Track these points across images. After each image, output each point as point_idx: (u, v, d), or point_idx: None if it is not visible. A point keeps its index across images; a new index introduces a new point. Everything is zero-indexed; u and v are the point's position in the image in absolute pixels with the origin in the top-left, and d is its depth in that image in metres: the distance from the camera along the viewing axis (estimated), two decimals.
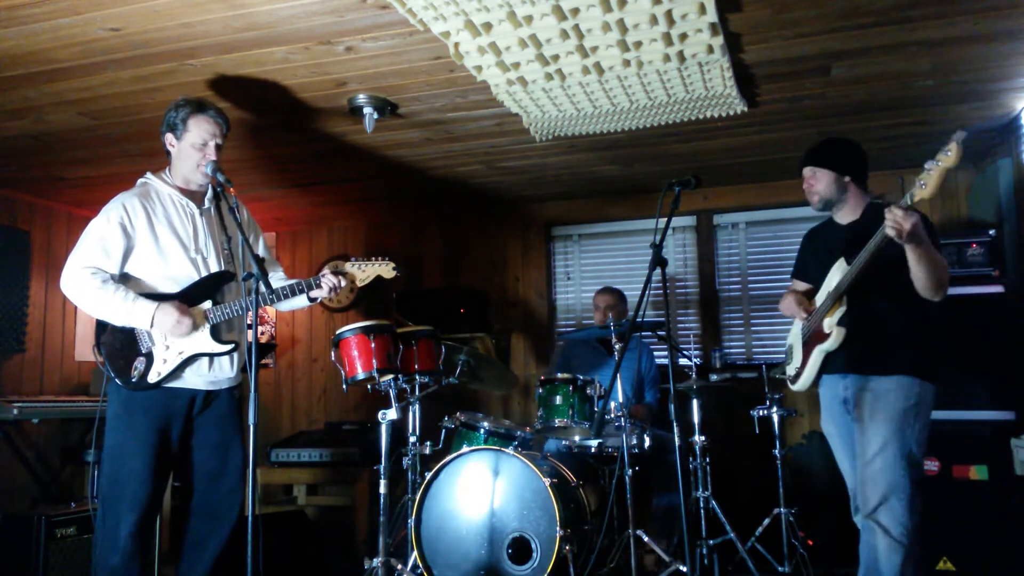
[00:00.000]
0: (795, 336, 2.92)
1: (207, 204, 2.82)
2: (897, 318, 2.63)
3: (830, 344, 2.67)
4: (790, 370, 2.93)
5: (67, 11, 2.51)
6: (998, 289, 3.45)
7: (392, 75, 3.08)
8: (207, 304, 2.71)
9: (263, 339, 5.60)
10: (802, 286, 2.99)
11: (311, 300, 2.90)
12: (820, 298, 2.76)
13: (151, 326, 2.63)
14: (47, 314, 4.77)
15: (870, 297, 2.62)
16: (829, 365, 2.73)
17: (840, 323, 2.66)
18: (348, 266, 2.94)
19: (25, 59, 2.84)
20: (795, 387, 2.88)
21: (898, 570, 2.48)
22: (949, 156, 2.24)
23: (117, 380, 2.67)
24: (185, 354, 2.68)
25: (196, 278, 2.73)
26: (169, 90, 3.11)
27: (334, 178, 4.55)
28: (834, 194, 2.77)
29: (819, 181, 2.77)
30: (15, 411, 3.84)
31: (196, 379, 2.72)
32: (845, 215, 2.81)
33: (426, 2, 2.44)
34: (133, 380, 2.65)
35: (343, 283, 2.85)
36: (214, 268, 2.77)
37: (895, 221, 2.33)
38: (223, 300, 2.74)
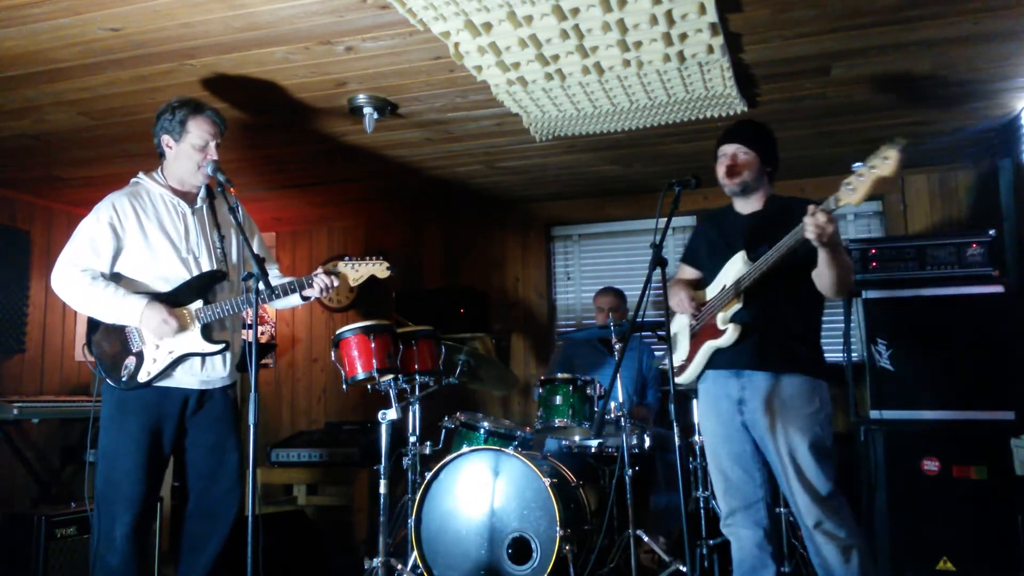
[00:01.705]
0: (681, 327, 2.82)
1: (199, 204, 2.82)
2: (796, 317, 2.56)
3: (723, 341, 2.58)
4: (675, 361, 2.78)
5: (67, 11, 2.51)
6: (998, 289, 3.44)
7: (392, 75, 3.08)
8: (198, 303, 2.71)
9: (263, 339, 5.60)
10: (691, 273, 2.87)
11: (304, 299, 2.89)
12: (713, 291, 2.67)
13: (139, 323, 2.63)
14: (47, 314, 4.77)
15: (769, 294, 2.54)
16: (716, 361, 2.64)
17: (735, 319, 2.58)
18: (341, 266, 2.92)
19: (25, 59, 2.84)
20: (679, 379, 2.76)
21: (858, 571, 2.43)
22: (887, 164, 2.09)
23: (107, 379, 2.67)
24: (175, 354, 2.67)
25: (187, 278, 2.73)
26: (169, 90, 3.10)
27: (334, 178, 4.55)
28: (754, 181, 2.66)
29: (747, 163, 2.64)
30: (15, 411, 3.84)
31: (189, 378, 2.72)
32: (748, 205, 2.70)
33: (426, 2, 2.44)
34: (123, 379, 2.66)
35: (335, 282, 2.83)
36: (206, 268, 2.76)
37: (818, 226, 2.24)
38: (214, 300, 2.74)
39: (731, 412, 2.62)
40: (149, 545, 3.49)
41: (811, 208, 2.28)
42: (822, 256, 2.39)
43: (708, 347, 2.65)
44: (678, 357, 2.80)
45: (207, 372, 2.75)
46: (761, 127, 2.75)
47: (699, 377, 2.74)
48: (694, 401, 3.57)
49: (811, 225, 2.26)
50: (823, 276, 2.45)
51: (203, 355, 2.72)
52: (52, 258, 4.77)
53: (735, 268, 2.61)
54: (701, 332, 2.69)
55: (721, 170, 2.68)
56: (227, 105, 3.26)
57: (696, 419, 3.55)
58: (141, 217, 2.70)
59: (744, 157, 2.65)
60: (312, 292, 2.82)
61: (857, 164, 2.18)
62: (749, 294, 2.56)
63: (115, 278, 2.71)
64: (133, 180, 2.82)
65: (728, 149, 2.68)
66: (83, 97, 3.20)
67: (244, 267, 2.88)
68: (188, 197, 2.81)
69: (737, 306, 2.59)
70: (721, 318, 2.61)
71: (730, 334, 2.57)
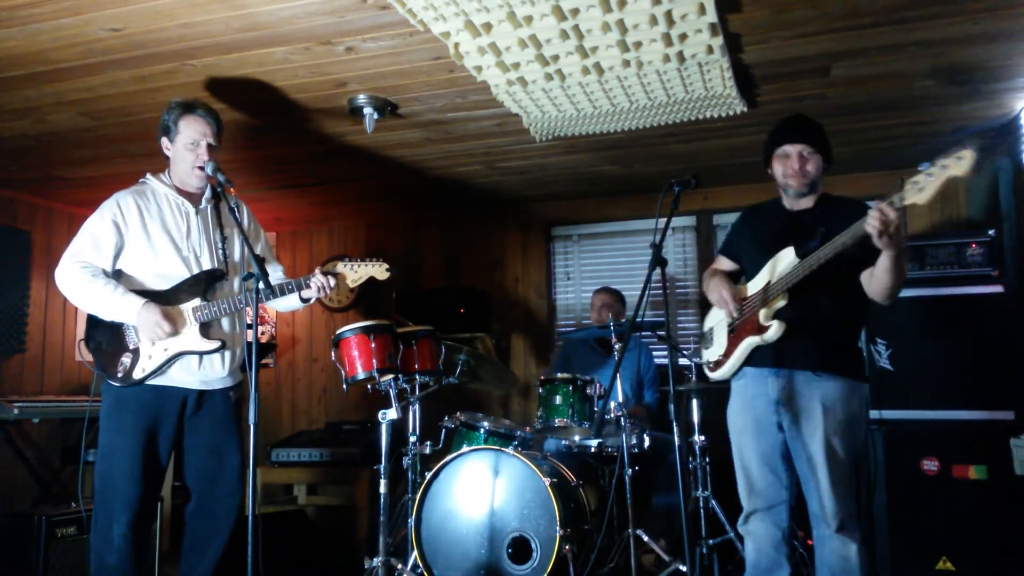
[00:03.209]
0: (717, 321, 2.77)
1: (204, 204, 2.83)
2: (840, 319, 2.53)
3: (767, 337, 2.51)
4: (709, 355, 2.76)
5: (68, 11, 2.51)
6: (998, 289, 3.45)
7: (392, 75, 3.08)
8: (195, 301, 2.72)
9: (263, 339, 5.60)
10: (728, 265, 2.83)
11: (304, 300, 2.89)
12: (756, 285, 2.62)
13: (135, 322, 2.65)
14: (47, 314, 4.77)
15: (815, 293, 2.49)
16: (756, 358, 2.59)
17: (779, 316, 2.52)
18: (340, 267, 2.91)
19: (26, 59, 2.84)
20: (714, 375, 2.73)
21: (865, 572, 2.47)
22: (961, 163, 2.02)
23: (103, 376, 2.69)
24: (170, 351, 2.69)
25: (187, 276, 2.74)
26: (169, 90, 3.11)
27: (334, 178, 4.55)
28: (818, 180, 2.61)
29: (814, 163, 2.58)
30: (15, 411, 3.84)
31: (187, 377, 2.73)
32: (800, 202, 2.64)
33: (426, 2, 2.45)
34: (119, 376, 2.67)
35: (332, 283, 2.83)
36: (207, 267, 2.78)
37: (883, 221, 2.15)
38: (212, 298, 2.75)
39: (767, 411, 2.58)
40: (149, 545, 3.49)
41: (879, 204, 2.21)
42: (885, 260, 2.31)
43: (749, 343, 2.58)
44: (715, 352, 2.74)
45: (205, 372, 2.75)
46: (820, 125, 2.65)
47: (735, 374, 2.69)
48: (694, 401, 3.58)
49: (876, 219, 2.16)
50: (880, 281, 2.38)
51: (199, 353, 2.72)
52: (53, 258, 4.78)
53: (783, 263, 2.54)
54: (741, 327, 2.63)
55: (788, 170, 2.58)
56: (227, 106, 3.26)
57: (695, 419, 3.56)
58: (144, 215, 2.72)
59: (812, 157, 2.58)
60: (310, 293, 2.82)
61: (924, 164, 2.11)
62: (795, 291, 2.51)
63: (117, 275, 2.73)
64: (141, 180, 2.85)
65: (793, 149, 2.58)
66: (84, 97, 3.20)
67: (246, 268, 2.88)
68: (193, 198, 2.82)
69: (782, 302, 2.53)
70: (764, 314, 2.55)
71: (774, 330, 2.50)
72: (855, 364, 2.57)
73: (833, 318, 2.53)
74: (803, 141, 2.58)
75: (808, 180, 2.59)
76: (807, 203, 2.64)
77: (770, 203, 2.77)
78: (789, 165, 2.59)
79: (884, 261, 2.31)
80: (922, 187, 2.13)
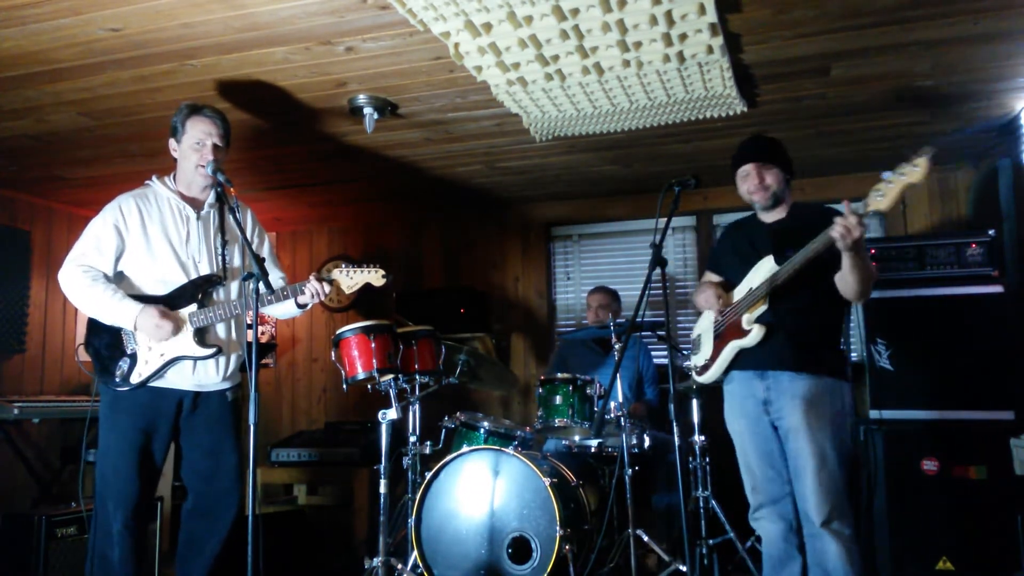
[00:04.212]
0: (704, 328, 2.90)
1: (207, 209, 2.83)
2: (820, 320, 2.66)
3: (748, 341, 2.65)
4: (697, 360, 2.91)
5: (68, 11, 2.51)
6: (998, 289, 3.44)
7: (392, 75, 3.08)
8: (192, 307, 2.72)
9: (263, 339, 5.60)
10: (715, 278, 2.96)
11: (300, 306, 2.87)
12: (739, 293, 2.75)
13: (134, 327, 2.65)
14: (47, 314, 4.77)
15: (795, 297, 2.61)
16: (741, 361, 2.72)
17: (760, 320, 2.64)
18: (336, 272, 2.88)
19: (26, 59, 2.84)
20: (701, 379, 2.87)
21: (859, 570, 2.51)
22: (916, 171, 2.18)
23: (101, 380, 2.71)
24: (166, 356, 2.69)
25: (185, 281, 2.74)
26: (169, 90, 3.11)
27: (334, 178, 4.55)
28: (782, 191, 2.76)
29: (772, 176, 2.73)
30: (15, 411, 3.84)
31: (182, 380, 2.74)
32: (773, 214, 2.80)
33: (426, 2, 2.45)
34: (116, 380, 2.69)
35: (327, 289, 2.81)
36: (205, 272, 2.78)
37: (847, 227, 2.33)
38: (208, 304, 2.75)
39: (757, 412, 2.70)
40: (149, 545, 3.49)
41: (844, 212, 2.37)
42: (846, 260, 2.47)
43: (733, 346, 2.71)
44: (702, 357, 2.88)
45: (199, 376, 2.75)
46: (772, 140, 2.83)
47: (725, 377, 2.82)
48: (694, 401, 3.59)
49: (840, 226, 2.34)
50: (846, 280, 2.52)
51: (194, 359, 2.73)
52: (53, 258, 4.78)
53: (762, 271, 2.67)
54: (726, 332, 2.75)
55: (748, 187, 2.76)
56: (228, 106, 3.26)
57: (695, 419, 3.56)
58: (145, 219, 2.73)
59: (768, 172, 2.73)
60: (305, 299, 2.81)
61: (886, 172, 2.25)
62: (775, 296, 2.63)
63: (118, 278, 2.75)
64: (146, 182, 2.85)
65: (750, 168, 2.75)
66: (83, 97, 3.20)
67: (246, 270, 2.87)
68: (196, 203, 2.83)
69: (763, 308, 2.65)
70: (747, 319, 2.67)
71: (755, 334, 2.64)
72: (836, 363, 2.66)
73: (812, 320, 2.65)
74: (754, 159, 2.75)
75: (769, 193, 2.75)
76: (779, 214, 2.79)
77: (748, 218, 2.93)
78: (749, 182, 2.76)
79: (846, 261, 2.48)
80: (883, 194, 2.27)
